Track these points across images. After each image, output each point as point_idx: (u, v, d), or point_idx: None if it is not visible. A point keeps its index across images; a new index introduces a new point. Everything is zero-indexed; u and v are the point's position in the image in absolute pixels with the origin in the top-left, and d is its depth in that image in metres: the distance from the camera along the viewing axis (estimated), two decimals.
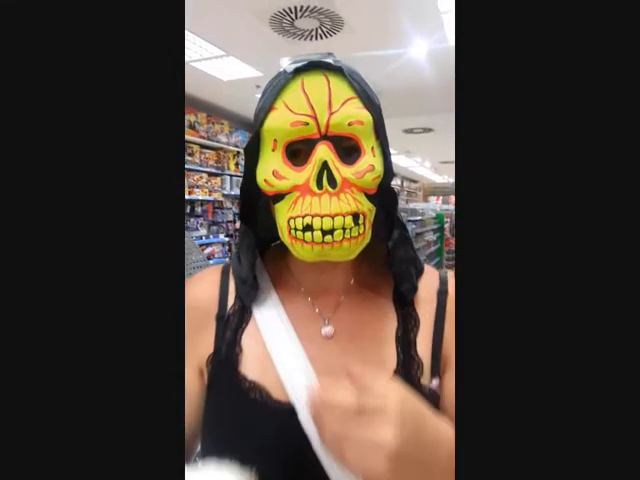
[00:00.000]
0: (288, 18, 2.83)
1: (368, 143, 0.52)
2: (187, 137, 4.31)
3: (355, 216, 0.51)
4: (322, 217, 0.49)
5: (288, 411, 0.51)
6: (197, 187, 4.47)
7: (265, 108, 0.53)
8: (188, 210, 4.51)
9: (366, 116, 0.52)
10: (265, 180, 0.52)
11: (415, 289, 0.59)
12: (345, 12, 2.76)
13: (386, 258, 0.57)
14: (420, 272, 0.61)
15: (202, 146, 4.58)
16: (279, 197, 0.52)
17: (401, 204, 6.24)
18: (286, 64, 0.53)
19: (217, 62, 3.61)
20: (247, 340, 0.57)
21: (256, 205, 0.59)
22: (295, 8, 2.70)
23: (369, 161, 0.52)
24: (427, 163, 10.85)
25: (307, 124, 0.50)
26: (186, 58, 3.48)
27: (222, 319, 0.58)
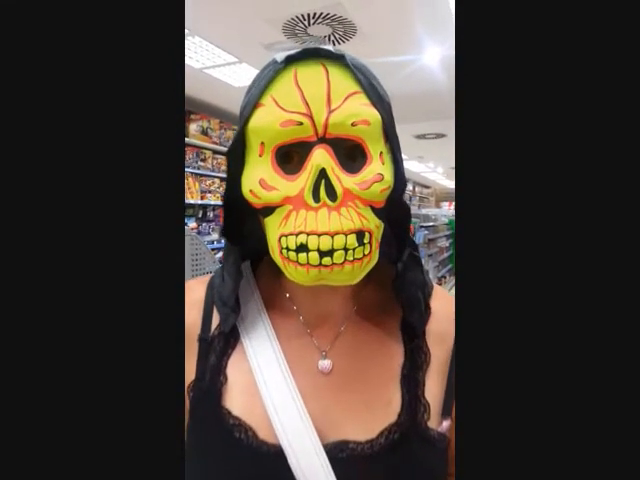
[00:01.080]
0: (301, 25, 2.85)
1: (376, 147, 0.44)
2: (200, 143, 4.36)
3: (359, 234, 0.42)
4: (319, 235, 0.41)
5: (276, 454, 0.44)
6: (209, 192, 4.50)
7: (250, 104, 0.44)
8: (200, 215, 4.54)
9: (373, 115, 0.43)
10: (251, 191, 0.44)
11: (424, 319, 0.51)
12: (358, 19, 2.77)
13: (394, 282, 0.49)
14: (428, 295, 0.53)
15: (215, 152, 4.61)
16: (268, 210, 0.44)
17: (413, 210, 6.23)
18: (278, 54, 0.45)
19: (230, 69, 3.65)
20: (233, 368, 0.49)
21: (243, 216, 0.50)
22: (308, 15, 2.72)
23: (376, 169, 0.43)
24: (439, 169, 10.81)
25: (301, 124, 0.41)
26: (199, 65, 3.52)
27: (205, 341, 0.50)
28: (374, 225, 0.44)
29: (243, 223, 0.52)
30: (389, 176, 0.45)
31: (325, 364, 0.49)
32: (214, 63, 3.52)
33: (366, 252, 0.44)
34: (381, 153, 0.45)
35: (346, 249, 0.42)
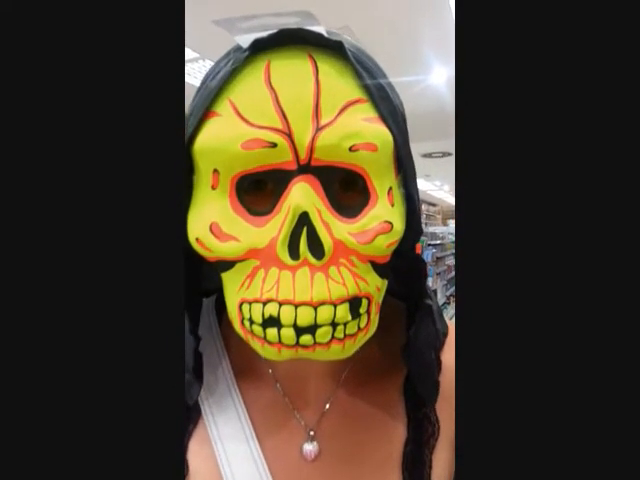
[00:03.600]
0: None
1: (383, 182, 0.31)
2: None
3: (354, 303, 0.31)
4: (297, 306, 0.29)
5: None
6: None
7: (198, 112, 0.31)
8: None
9: (382, 135, 0.30)
10: (197, 239, 0.31)
11: (437, 388, 0.39)
12: (365, 41, 2.81)
13: (404, 350, 0.38)
14: (440, 347, 0.42)
15: None
16: (225, 265, 0.31)
17: None
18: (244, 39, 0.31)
19: None
20: (194, 453, 0.38)
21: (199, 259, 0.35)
22: None
23: (383, 214, 0.31)
24: (446, 187, 10.82)
25: (274, 145, 0.28)
26: None
27: None
28: (374, 287, 0.32)
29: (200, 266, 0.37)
30: (399, 224, 0.32)
31: (310, 449, 0.37)
32: None
33: (362, 325, 0.32)
34: (390, 190, 0.32)
35: (334, 324, 0.30)
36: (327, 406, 0.39)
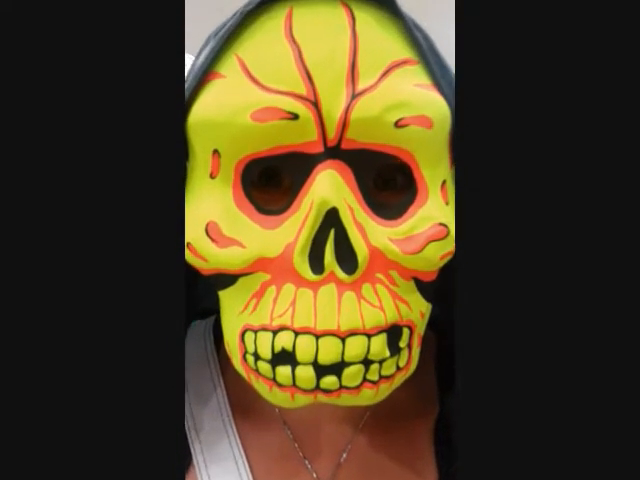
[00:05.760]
0: None
1: (435, 172, 0.24)
2: None
3: (393, 333, 0.24)
4: (318, 337, 0.22)
5: None
6: None
7: (196, 75, 0.24)
8: None
9: (440, 107, 0.23)
10: (189, 244, 0.24)
11: None
12: None
13: (442, 393, 0.33)
14: None
15: None
16: (224, 280, 0.25)
17: None
18: None
19: None
20: None
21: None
22: None
23: (436, 215, 0.24)
24: None
25: (296, 117, 0.21)
26: None
27: None
28: (418, 313, 0.25)
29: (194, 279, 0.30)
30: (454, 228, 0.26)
31: None
32: None
33: (402, 363, 0.25)
34: (444, 183, 0.25)
35: (367, 361, 0.24)
36: (344, 456, 0.31)
